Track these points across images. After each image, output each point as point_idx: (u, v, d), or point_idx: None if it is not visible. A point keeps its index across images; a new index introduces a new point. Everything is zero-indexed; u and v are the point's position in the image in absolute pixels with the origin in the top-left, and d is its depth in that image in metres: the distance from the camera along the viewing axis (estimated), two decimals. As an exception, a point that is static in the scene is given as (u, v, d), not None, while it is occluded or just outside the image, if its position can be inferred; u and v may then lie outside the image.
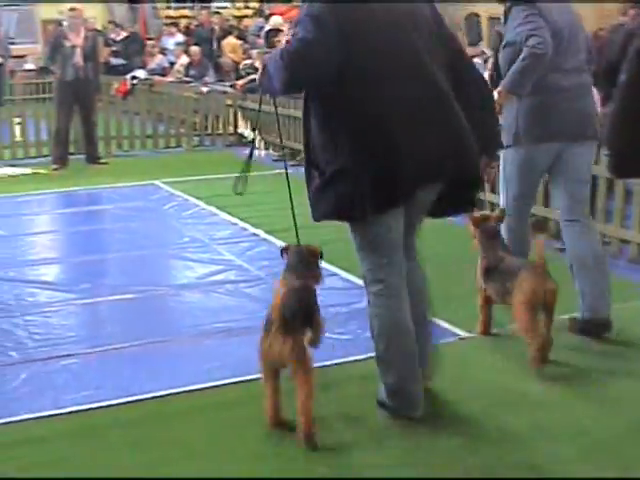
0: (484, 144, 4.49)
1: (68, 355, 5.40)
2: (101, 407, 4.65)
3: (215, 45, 20.64)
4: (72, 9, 12.26)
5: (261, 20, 21.37)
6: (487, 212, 5.84)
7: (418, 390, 4.43)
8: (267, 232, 8.36)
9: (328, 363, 5.13)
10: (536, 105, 5.53)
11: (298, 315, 4.24)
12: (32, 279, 7.09)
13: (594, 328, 5.56)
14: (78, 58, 12.08)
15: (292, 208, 4.93)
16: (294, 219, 4.99)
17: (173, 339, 5.70)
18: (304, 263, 4.75)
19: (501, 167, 5.70)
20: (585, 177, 5.74)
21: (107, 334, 5.81)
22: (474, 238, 5.57)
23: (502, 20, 5.83)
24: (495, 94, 5.34)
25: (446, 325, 5.81)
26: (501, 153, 5.44)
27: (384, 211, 4.26)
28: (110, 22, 25.87)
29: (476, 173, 4.44)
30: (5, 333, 5.80)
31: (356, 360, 5.23)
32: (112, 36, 23.31)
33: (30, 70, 24.06)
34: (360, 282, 6.55)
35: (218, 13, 24.29)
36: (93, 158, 12.80)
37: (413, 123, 4.19)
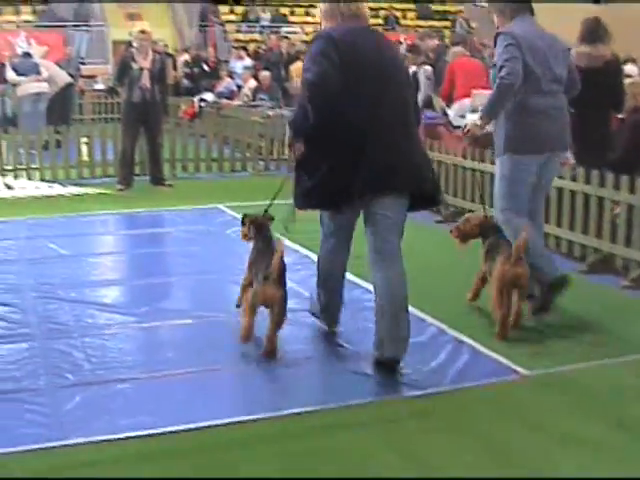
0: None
1: (124, 379, 5.39)
2: (156, 434, 4.63)
3: (283, 70, 20.75)
4: (142, 31, 12.39)
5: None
6: (484, 214, 6.91)
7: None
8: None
9: (385, 398, 5.09)
10: (520, 123, 6.58)
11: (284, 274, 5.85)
12: (92, 300, 7.12)
13: None
14: (145, 80, 12.19)
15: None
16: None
17: (230, 367, 5.67)
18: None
19: (497, 176, 6.86)
20: (551, 181, 7.12)
21: (164, 359, 5.81)
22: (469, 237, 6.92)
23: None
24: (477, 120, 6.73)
25: (505, 361, 5.70)
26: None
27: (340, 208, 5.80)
28: (184, 49, 26.11)
29: (439, 190, 6.03)
30: (62, 354, 5.82)
31: (415, 396, 5.15)
32: (181, 58, 23.53)
33: (100, 90, 24.39)
34: (421, 315, 6.56)
35: (287, 38, 24.45)
36: (158, 180, 12.89)
37: (391, 144, 5.46)
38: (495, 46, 6.66)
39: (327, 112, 5.33)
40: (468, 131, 6.87)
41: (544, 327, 6.36)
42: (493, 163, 9.33)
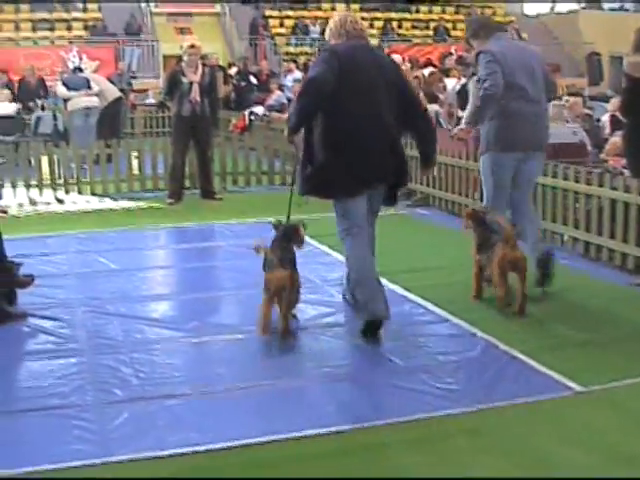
0: (423, 159, 7.05)
1: (172, 395, 5.38)
2: (203, 450, 4.61)
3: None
4: (191, 45, 12.45)
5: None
6: (477, 206, 7.98)
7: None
8: (380, 274, 8.22)
9: (434, 414, 5.00)
10: (503, 125, 7.51)
11: (288, 258, 6.60)
12: (141, 315, 7.14)
13: None
14: (195, 94, 12.24)
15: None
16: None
17: (278, 382, 5.62)
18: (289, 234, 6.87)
19: (481, 171, 7.92)
20: (533, 180, 8.11)
21: (213, 375, 5.79)
22: (468, 227, 7.55)
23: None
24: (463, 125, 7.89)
25: (558, 376, 5.60)
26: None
27: (351, 196, 6.64)
28: (234, 61, 26.25)
29: (406, 181, 7.09)
30: (111, 370, 5.83)
31: (464, 412, 5.07)
32: (231, 72, 23.62)
33: (151, 104, 24.57)
34: (471, 329, 6.49)
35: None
36: (208, 193, 12.93)
37: (375, 141, 6.52)
38: (476, 63, 7.72)
39: (317, 102, 6.39)
40: (456, 135, 8.03)
41: (598, 342, 6.26)
42: (547, 175, 9.28)
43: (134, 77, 25.22)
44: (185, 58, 12.46)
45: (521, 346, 6.10)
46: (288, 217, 7.13)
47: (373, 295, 6.46)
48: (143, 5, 30.94)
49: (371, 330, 6.41)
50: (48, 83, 20.83)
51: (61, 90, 16.58)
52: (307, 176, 6.74)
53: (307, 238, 9.72)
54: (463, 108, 13.44)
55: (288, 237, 6.86)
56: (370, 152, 6.51)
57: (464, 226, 7.62)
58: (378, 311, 6.41)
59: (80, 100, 16.22)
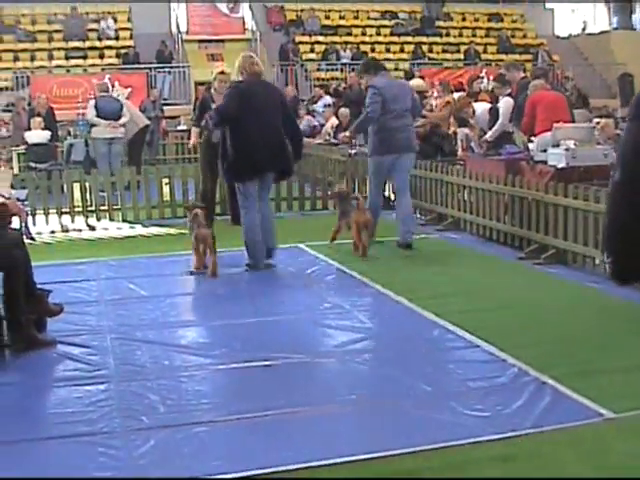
0: (297, 154, 10.21)
1: (200, 422, 5.35)
2: (230, 479, 4.58)
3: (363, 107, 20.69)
4: (221, 72, 12.47)
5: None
6: (340, 188, 11.58)
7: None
8: (410, 300, 8.21)
9: (464, 441, 4.94)
10: (384, 137, 10.76)
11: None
12: (170, 342, 7.13)
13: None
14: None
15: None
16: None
17: (306, 409, 5.58)
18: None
19: (369, 170, 11.28)
20: (407, 170, 11.24)
21: (240, 401, 5.75)
22: (334, 202, 11.80)
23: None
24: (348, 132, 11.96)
25: (589, 403, 5.53)
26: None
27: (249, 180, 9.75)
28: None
29: (291, 169, 10.32)
30: (137, 397, 5.81)
31: (495, 439, 5.00)
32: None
33: (182, 131, 24.68)
34: (502, 354, 6.43)
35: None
36: (239, 219, 12.86)
37: (264, 144, 9.59)
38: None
39: (227, 121, 9.70)
40: (342, 139, 12.52)
41: (629, 367, 6.18)
42: (578, 198, 9.24)
43: (166, 104, 25.36)
44: (215, 84, 12.50)
45: (552, 372, 6.03)
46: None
47: (257, 250, 9.98)
48: (174, 32, 31.16)
49: (250, 269, 9.98)
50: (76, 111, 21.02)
51: (90, 114, 16.58)
52: (224, 169, 10.07)
53: (337, 264, 9.80)
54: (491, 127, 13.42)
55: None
56: (260, 151, 9.58)
57: (329, 198, 12.84)
58: (259, 262, 9.99)
59: (103, 130, 16.22)
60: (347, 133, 11.75)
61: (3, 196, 7.24)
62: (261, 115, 9.62)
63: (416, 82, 17.36)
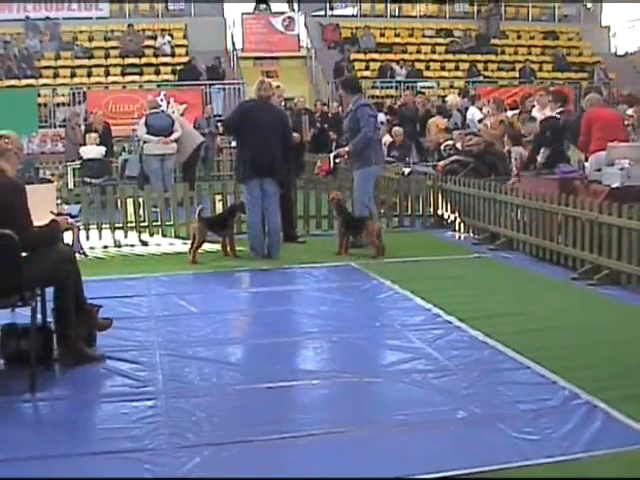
0: (296, 169, 12.93)
1: (246, 440, 5.33)
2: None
3: (418, 125, 20.61)
4: (262, 81, 12.39)
5: (465, 100, 21.27)
6: (339, 194, 12.38)
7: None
8: (461, 320, 8.14)
9: (513, 465, 4.87)
10: (375, 149, 12.22)
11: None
12: (219, 359, 7.12)
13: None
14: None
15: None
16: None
17: (354, 430, 5.54)
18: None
19: (355, 181, 12.33)
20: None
21: (287, 421, 5.72)
22: (335, 209, 12.40)
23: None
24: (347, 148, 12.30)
25: (638, 426, 5.42)
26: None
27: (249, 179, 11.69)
28: (317, 101, 26.41)
29: (281, 178, 11.77)
30: (185, 413, 5.81)
31: (544, 463, 4.93)
32: (318, 115, 23.74)
33: (236, 147, 24.70)
34: (552, 377, 6.35)
35: (422, 93, 24.40)
36: (290, 236, 12.93)
37: (260, 154, 11.49)
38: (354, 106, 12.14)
39: (229, 131, 13.09)
40: (340, 155, 12.70)
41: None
42: (633, 218, 9.12)
43: (220, 120, 25.47)
44: (274, 98, 12.45)
45: (603, 395, 5.93)
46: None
47: (258, 243, 11.84)
48: (230, 49, 31.36)
49: (251, 259, 11.67)
50: (132, 127, 21.18)
51: (141, 131, 16.68)
52: (236, 173, 12.60)
53: (389, 283, 9.75)
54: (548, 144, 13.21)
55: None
56: (256, 159, 11.47)
57: (329, 203, 12.97)
58: (259, 253, 11.80)
59: (154, 146, 16.26)
60: (346, 149, 12.27)
61: (53, 212, 7.27)
62: (259, 131, 11.45)
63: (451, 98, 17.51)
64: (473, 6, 35.46)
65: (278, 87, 12.67)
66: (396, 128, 19.13)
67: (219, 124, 13.19)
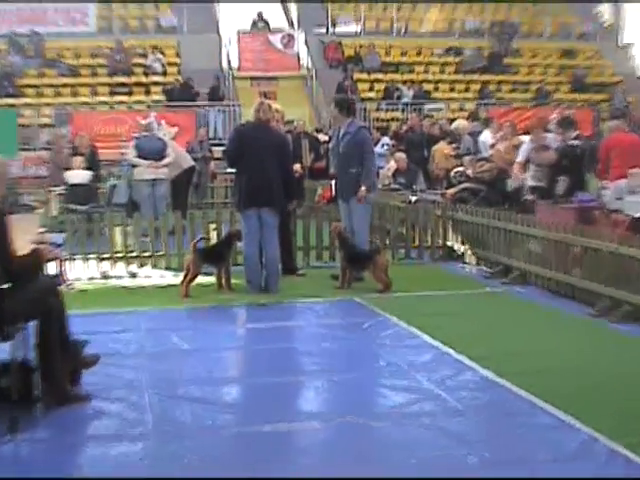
0: (288, 195, 11.92)
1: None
2: None
3: (426, 151, 20.50)
4: (261, 103, 12.42)
5: (476, 124, 21.18)
6: (340, 225, 12.31)
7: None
8: (471, 358, 8.16)
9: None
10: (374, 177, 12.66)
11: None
12: (212, 399, 7.13)
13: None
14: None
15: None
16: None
17: (357, 476, 5.56)
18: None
19: (355, 212, 12.27)
20: None
21: (287, 466, 5.74)
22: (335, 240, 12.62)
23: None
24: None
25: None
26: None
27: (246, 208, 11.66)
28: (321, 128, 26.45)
29: (279, 205, 11.72)
30: (176, 458, 5.82)
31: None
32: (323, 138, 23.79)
33: (231, 173, 24.70)
34: (570, 420, 6.36)
35: (429, 117, 24.31)
36: (289, 269, 12.94)
37: (257, 181, 11.47)
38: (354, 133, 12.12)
39: (235, 162, 11.90)
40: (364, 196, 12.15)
41: None
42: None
43: (215, 144, 25.51)
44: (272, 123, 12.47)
45: (624, 439, 5.94)
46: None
47: (255, 276, 11.80)
48: (225, 68, 31.46)
49: (248, 293, 11.67)
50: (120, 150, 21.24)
51: (130, 155, 16.75)
52: (234, 201, 12.55)
53: (395, 319, 9.77)
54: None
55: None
56: (253, 187, 11.46)
57: (331, 233, 13.02)
58: (256, 286, 11.77)
59: (145, 171, 16.33)
60: (364, 188, 12.07)
61: (35, 242, 7.30)
62: (257, 157, 11.45)
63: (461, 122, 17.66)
64: (484, 23, 35.56)
65: (277, 111, 12.57)
66: (398, 153, 19.17)
67: (223, 155, 13.22)
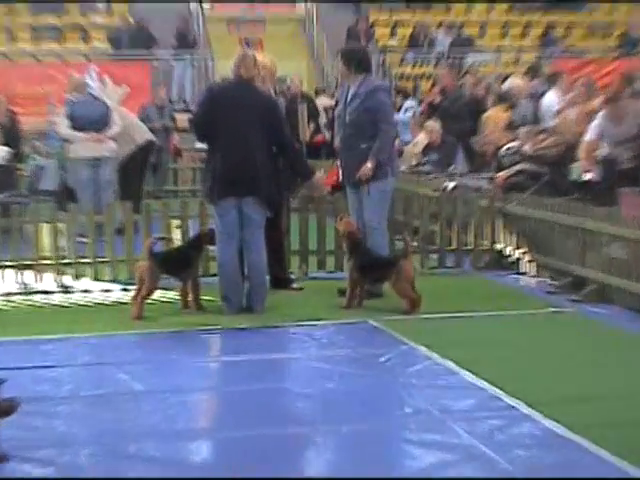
0: (287, 181, 12.64)
1: None
2: None
3: (468, 121, 20.09)
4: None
5: (537, 83, 21.05)
6: (351, 221, 12.40)
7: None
8: (529, 405, 8.17)
9: None
10: (392, 153, 12.86)
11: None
12: (176, 459, 7.15)
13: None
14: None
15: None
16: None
17: None
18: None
19: (367, 202, 12.42)
20: None
21: None
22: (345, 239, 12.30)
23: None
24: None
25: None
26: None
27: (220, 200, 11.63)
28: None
29: (269, 194, 11.64)
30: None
31: None
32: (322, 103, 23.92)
33: (202, 150, 24.70)
34: (582, 441, 6.38)
35: (472, 73, 24.01)
36: (281, 282, 12.94)
37: (241, 163, 11.43)
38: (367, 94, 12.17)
39: (206, 134, 11.86)
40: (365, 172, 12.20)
41: None
42: None
43: (186, 110, 25.46)
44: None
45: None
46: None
47: (233, 291, 11.81)
48: (193, 6, 31.35)
49: (223, 313, 11.69)
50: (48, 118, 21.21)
51: (62, 125, 16.70)
52: (203, 189, 12.64)
53: (424, 349, 9.81)
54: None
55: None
56: (237, 170, 11.39)
57: (339, 235, 12.79)
58: (235, 304, 11.74)
59: (84, 146, 16.33)
60: (369, 165, 12.14)
61: None
62: (235, 127, 11.44)
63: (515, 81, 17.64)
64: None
65: (265, 66, 12.50)
66: (429, 122, 19.12)
67: (190, 125, 12.99)
